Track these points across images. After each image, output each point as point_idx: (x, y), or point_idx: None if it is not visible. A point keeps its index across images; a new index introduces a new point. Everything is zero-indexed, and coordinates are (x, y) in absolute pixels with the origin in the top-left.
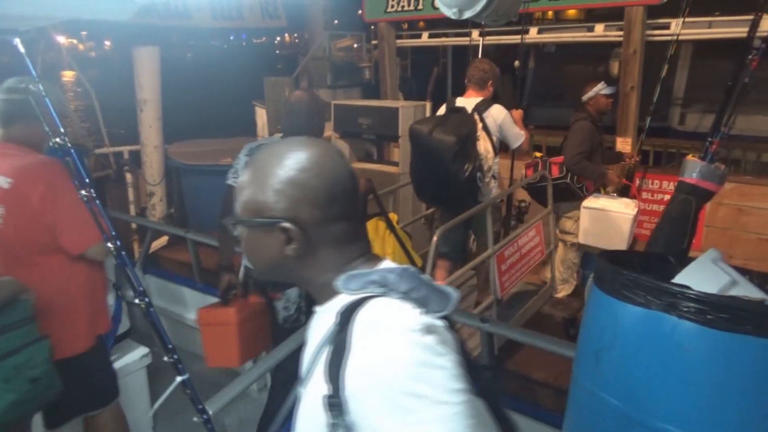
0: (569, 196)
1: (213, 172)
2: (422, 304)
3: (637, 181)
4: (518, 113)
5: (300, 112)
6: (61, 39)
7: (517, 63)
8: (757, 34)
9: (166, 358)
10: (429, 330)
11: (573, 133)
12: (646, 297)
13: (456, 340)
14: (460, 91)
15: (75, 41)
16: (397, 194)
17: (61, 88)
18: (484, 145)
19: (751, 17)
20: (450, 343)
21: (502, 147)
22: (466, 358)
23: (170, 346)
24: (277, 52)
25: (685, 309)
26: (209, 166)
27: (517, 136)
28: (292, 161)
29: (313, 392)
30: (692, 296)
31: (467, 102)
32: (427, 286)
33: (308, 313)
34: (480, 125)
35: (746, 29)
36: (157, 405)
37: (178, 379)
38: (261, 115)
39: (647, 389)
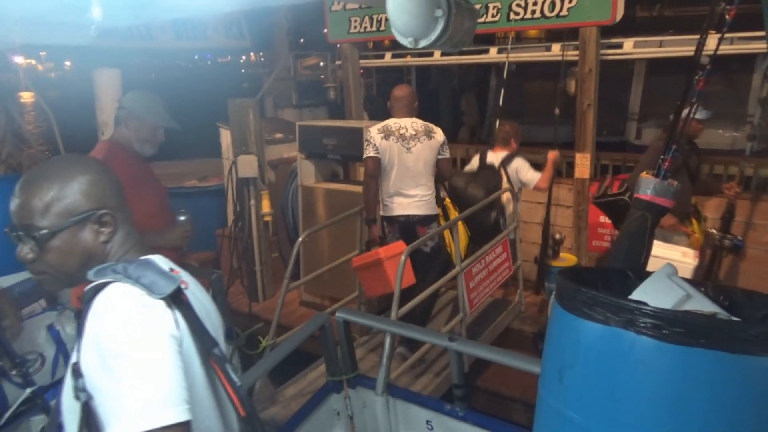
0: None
1: (178, 194)
2: (148, 288)
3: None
4: (552, 154)
5: None
6: (19, 59)
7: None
8: (704, 53)
9: (14, 372)
10: (144, 306)
11: (647, 151)
12: (605, 314)
13: (185, 315)
14: (423, 111)
15: (33, 62)
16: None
17: (17, 109)
18: (506, 196)
19: (698, 37)
20: (162, 317)
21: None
22: (200, 330)
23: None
24: (243, 71)
25: (642, 325)
26: (174, 189)
27: (531, 180)
28: (83, 167)
29: (70, 363)
30: (648, 312)
31: (495, 157)
32: (156, 273)
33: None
34: (505, 178)
35: (693, 48)
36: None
37: (28, 390)
38: (226, 137)
39: (610, 405)
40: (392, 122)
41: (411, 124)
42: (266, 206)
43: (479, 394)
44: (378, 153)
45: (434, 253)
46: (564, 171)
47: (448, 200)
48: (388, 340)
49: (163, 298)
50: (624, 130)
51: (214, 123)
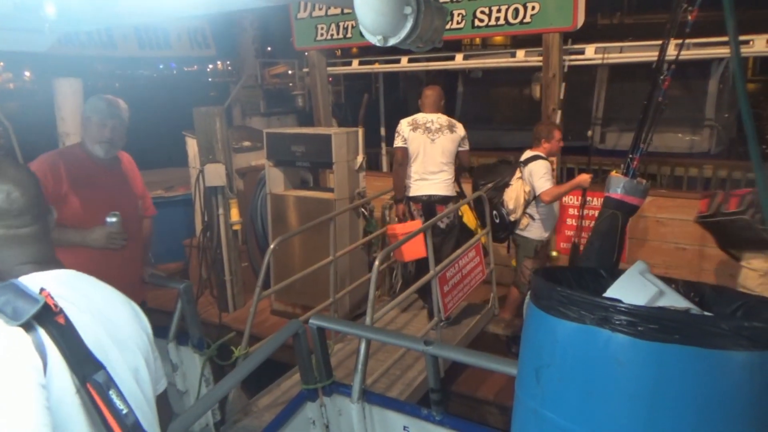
0: (753, 240)
1: None
2: (4, 313)
3: None
4: (580, 178)
5: None
6: None
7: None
8: (666, 58)
9: None
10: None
11: None
12: (580, 312)
13: (57, 340)
14: (391, 118)
15: None
16: (335, 221)
17: None
18: (515, 191)
19: (658, 43)
20: (18, 348)
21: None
22: (77, 355)
23: None
24: (210, 80)
25: (617, 322)
26: None
27: (538, 187)
28: None
29: None
30: (623, 309)
31: (526, 154)
32: (18, 296)
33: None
34: (518, 175)
35: (653, 54)
36: None
37: None
38: (192, 146)
39: (587, 403)
40: (420, 116)
41: (437, 119)
42: (235, 215)
43: (454, 399)
44: (405, 143)
45: (449, 228)
46: None
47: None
48: (363, 346)
49: (22, 324)
50: (588, 135)
51: (180, 132)
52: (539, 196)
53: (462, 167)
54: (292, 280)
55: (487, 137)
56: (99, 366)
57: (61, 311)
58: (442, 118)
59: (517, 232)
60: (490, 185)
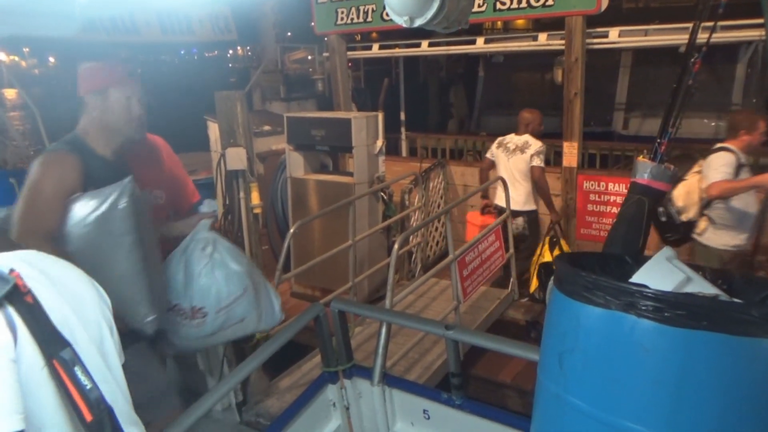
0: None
1: None
2: None
3: None
4: (762, 177)
5: None
6: (1, 55)
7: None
8: (697, 41)
9: None
10: None
11: None
12: (606, 297)
13: (25, 318)
14: (411, 103)
15: (17, 58)
16: (354, 205)
17: (1, 106)
18: (688, 187)
19: (684, 25)
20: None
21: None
22: (45, 332)
23: None
24: (230, 65)
25: (643, 308)
26: None
27: (707, 179)
28: None
29: None
30: (649, 295)
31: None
32: None
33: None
34: (696, 169)
35: (679, 37)
36: None
37: None
38: (213, 130)
39: (611, 389)
40: (509, 137)
41: (517, 141)
42: (255, 198)
43: (473, 382)
44: (491, 156)
45: (518, 238)
46: (552, 160)
47: None
48: (383, 329)
49: None
50: (611, 120)
51: (202, 117)
52: (706, 190)
53: (533, 181)
54: (312, 263)
55: (508, 122)
56: (65, 343)
57: (29, 291)
58: (521, 140)
59: (695, 236)
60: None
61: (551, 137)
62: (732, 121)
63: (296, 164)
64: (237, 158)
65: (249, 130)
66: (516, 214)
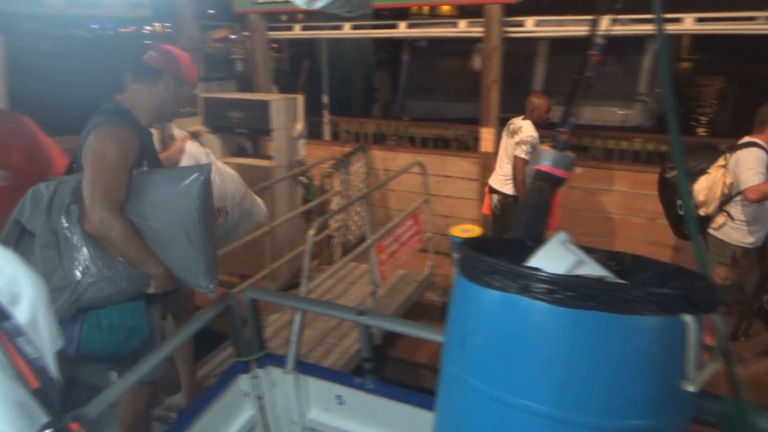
0: None
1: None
2: None
3: None
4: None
5: None
6: None
7: None
8: (598, 32)
9: None
10: None
11: None
12: (503, 281)
13: None
14: (335, 87)
15: None
16: (274, 189)
17: None
18: (710, 181)
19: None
20: None
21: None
22: None
23: None
24: (148, 42)
25: (536, 290)
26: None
27: (744, 182)
28: None
29: None
30: (542, 277)
31: (742, 140)
32: None
33: None
34: (721, 162)
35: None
36: None
37: None
38: None
39: (508, 370)
40: (513, 119)
41: (515, 124)
42: None
43: (392, 363)
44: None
45: (495, 217)
46: (471, 145)
47: None
48: (297, 317)
49: None
50: None
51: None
52: (744, 192)
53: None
54: (227, 249)
55: (431, 108)
56: (6, 316)
57: None
58: (518, 124)
59: (710, 231)
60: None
61: (474, 123)
62: (762, 115)
63: (213, 147)
64: None
65: None
66: (492, 190)
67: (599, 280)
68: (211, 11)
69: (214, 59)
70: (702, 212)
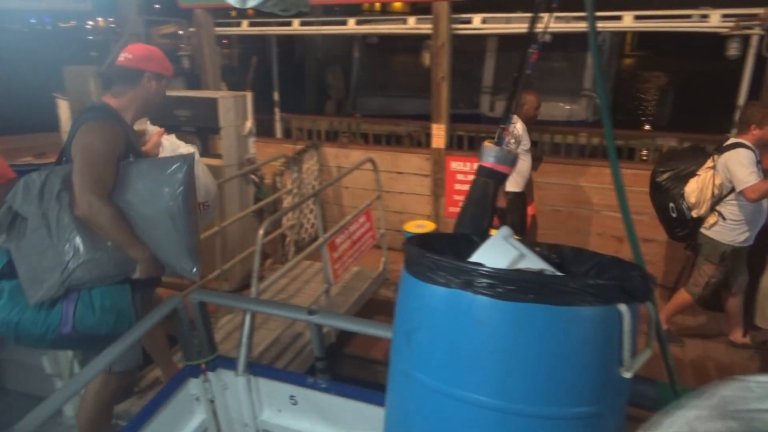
0: None
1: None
2: None
3: None
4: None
5: None
6: None
7: None
8: (537, 29)
9: None
10: None
11: None
12: (447, 277)
13: None
14: (287, 84)
15: None
16: (224, 188)
17: None
18: (701, 183)
19: (540, 15)
20: None
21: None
22: None
23: None
24: (90, 38)
25: (479, 285)
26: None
27: (741, 182)
28: None
29: None
30: (484, 272)
31: (728, 141)
32: None
33: None
34: (710, 164)
35: (537, 25)
36: None
37: None
38: (64, 109)
39: (453, 364)
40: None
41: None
42: None
43: (347, 360)
44: None
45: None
46: (423, 141)
47: None
48: (247, 319)
49: None
50: (478, 103)
51: (51, 94)
52: (743, 192)
53: None
54: None
55: (384, 104)
56: None
57: None
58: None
59: (702, 230)
60: (668, 173)
61: (427, 119)
62: (744, 116)
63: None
64: None
65: None
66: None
67: (538, 274)
68: (156, 6)
69: None
70: (694, 214)
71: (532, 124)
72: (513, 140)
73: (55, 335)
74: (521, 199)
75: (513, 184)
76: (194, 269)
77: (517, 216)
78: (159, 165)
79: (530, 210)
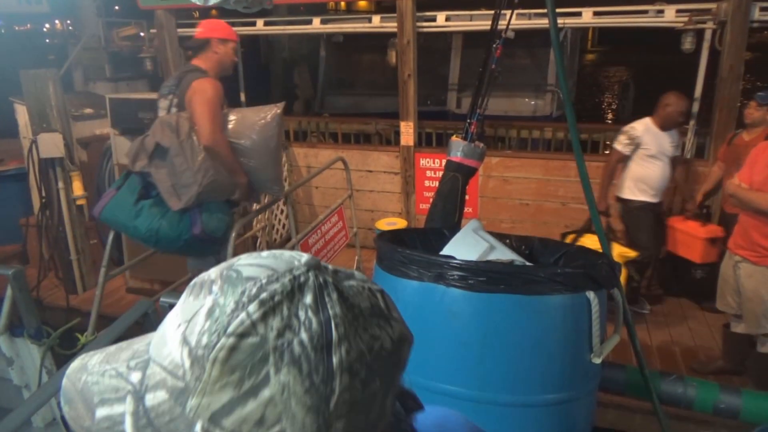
0: None
1: None
2: None
3: None
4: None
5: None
6: None
7: None
8: (498, 27)
9: None
10: None
11: None
12: (419, 270)
13: None
14: (254, 84)
15: None
16: None
17: None
18: None
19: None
20: None
21: None
22: None
23: None
24: (47, 41)
25: (450, 277)
26: None
27: None
28: None
29: None
30: (455, 265)
31: None
32: None
33: None
34: None
35: (500, 22)
36: None
37: None
38: (22, 113)
39: (427, 356)
40: None
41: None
42: (78, 189)
43: None
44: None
45: None
46: (393, 139)
47: None
48: None
49: None
50: (446, 100)
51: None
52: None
53: None
54: (144, 256)
55: (350, 102)
56: None
57: None
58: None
59: None
60: None
61: (395, 117)
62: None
63: (123, 150)
64: (52, 145)
65: (66, 113)
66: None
67: (508, 264)
68: (116, 8)
69: (121, 58)
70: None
71: (669, 129)
72: (627, 140)
73: (188, 236)
74: (653, 210)
75: (634, 191)
76: (281, 192)
77: (647, 234)
78: (258, 110)
79: (702, 232)
